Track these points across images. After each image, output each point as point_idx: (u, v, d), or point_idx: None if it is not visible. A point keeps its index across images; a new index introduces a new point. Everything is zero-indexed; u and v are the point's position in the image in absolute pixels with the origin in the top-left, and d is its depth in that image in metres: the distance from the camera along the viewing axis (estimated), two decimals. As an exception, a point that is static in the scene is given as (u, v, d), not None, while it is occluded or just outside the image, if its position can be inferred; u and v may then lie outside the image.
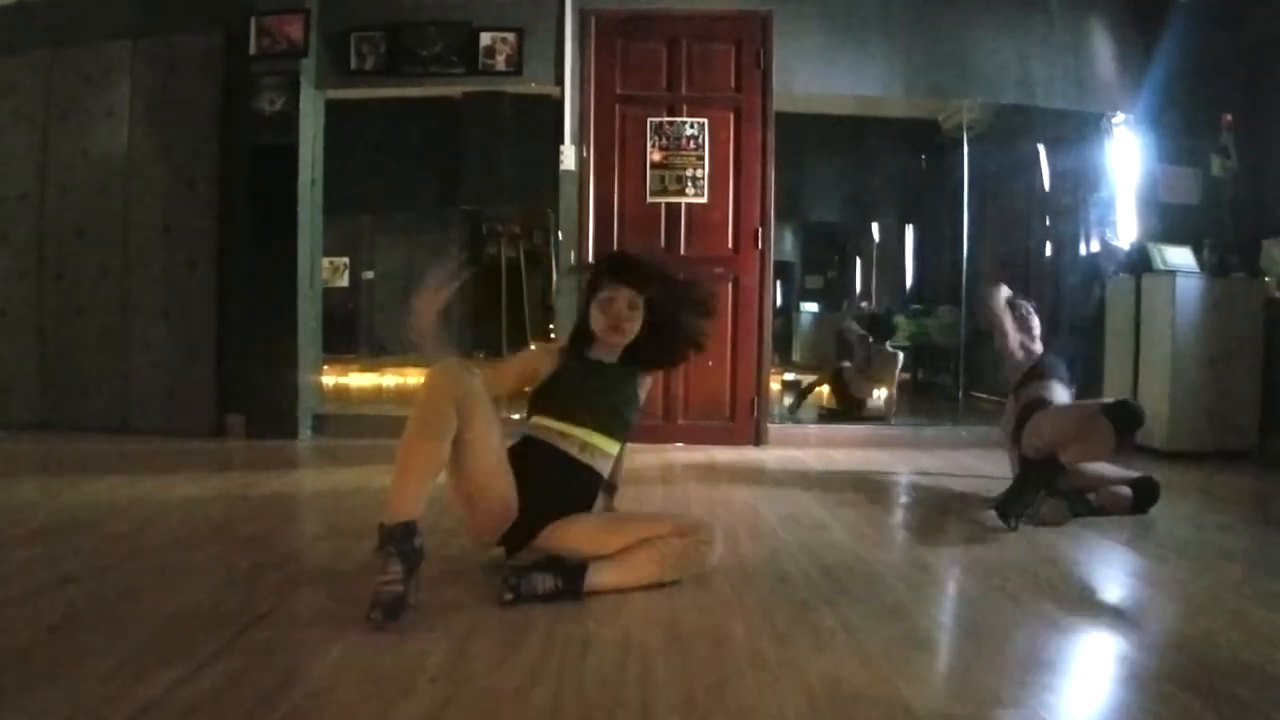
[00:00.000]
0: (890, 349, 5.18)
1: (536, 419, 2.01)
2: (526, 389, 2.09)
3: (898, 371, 5.12)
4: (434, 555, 2.12)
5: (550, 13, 4.30)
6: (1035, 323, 3.01)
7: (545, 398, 2.02)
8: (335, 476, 3.29)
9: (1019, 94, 4.46)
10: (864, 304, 6.44)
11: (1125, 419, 2.51)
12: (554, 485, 1.93)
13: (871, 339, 5.24)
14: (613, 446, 2.04)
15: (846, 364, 5.24)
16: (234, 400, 4.28)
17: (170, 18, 4.37)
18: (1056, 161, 5.34)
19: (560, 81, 4.30)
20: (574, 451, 1.96)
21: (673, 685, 1.37)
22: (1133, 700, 1.37)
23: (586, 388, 2.02)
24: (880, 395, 5.01)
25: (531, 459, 1.93)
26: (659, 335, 2.07)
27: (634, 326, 2.04)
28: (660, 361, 2.16)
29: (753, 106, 4.31)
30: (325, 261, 4.80)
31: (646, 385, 2.16)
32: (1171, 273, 4.16)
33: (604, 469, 2.03)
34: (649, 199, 4.33)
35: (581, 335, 2.10)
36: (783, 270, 6.23)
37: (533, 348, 2.07)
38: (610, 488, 2.22)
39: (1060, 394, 2.86)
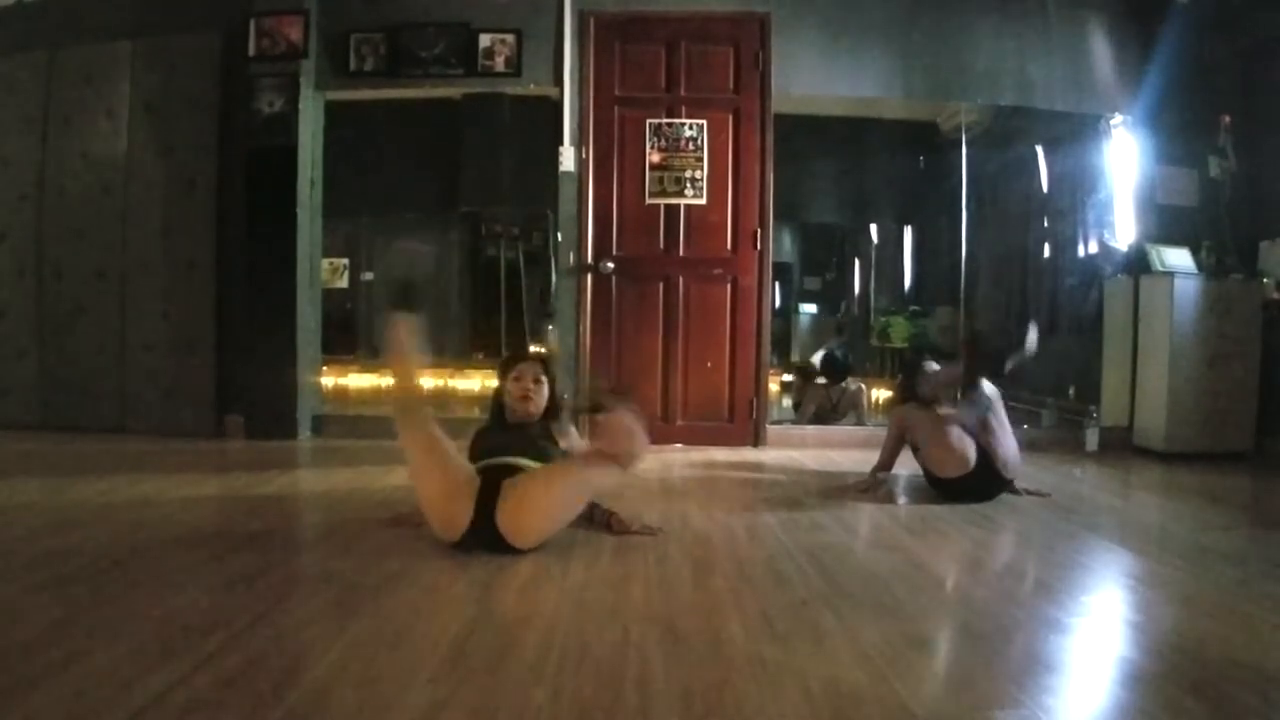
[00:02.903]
0: (853, 386, 4.98)
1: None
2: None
3: (864, 401, 5.00)
4: (431, 556, 2.13)
5: (549, 14, 4.30)
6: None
7: (475, 452, 2.37)
8: (334, 477, 3.29)
9: (1017, 95, 4.46)
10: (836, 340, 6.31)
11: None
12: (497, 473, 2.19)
13: (825, 382, 5.01)
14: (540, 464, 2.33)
15: (803, 403, 5.09)
16: (233, 401, 4.28)
17: (170, 18, 4.37)
18: (1055, 163, 5.35)
19: (559, 83, 4.31)
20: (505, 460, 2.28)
21: (671, 686, 1.37)
22: (1131, 701, 1.37)
23: (508, 436, 2.43)
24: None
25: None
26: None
27: (541, 400, 2.52)
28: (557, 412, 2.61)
29: (751, 108, 4.32)
30: (324, 262, 4.80)
31: (568, 439, 2.60)
32: (1169, 274, 4.16)
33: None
34: (648, 200, 4.33)
35: (497, 411, 2.56)
36: (781, 271, 6.24)
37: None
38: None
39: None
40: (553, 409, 2.57)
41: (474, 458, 2.31)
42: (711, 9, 4.32)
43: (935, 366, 3.14)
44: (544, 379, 2.54)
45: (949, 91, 4.54)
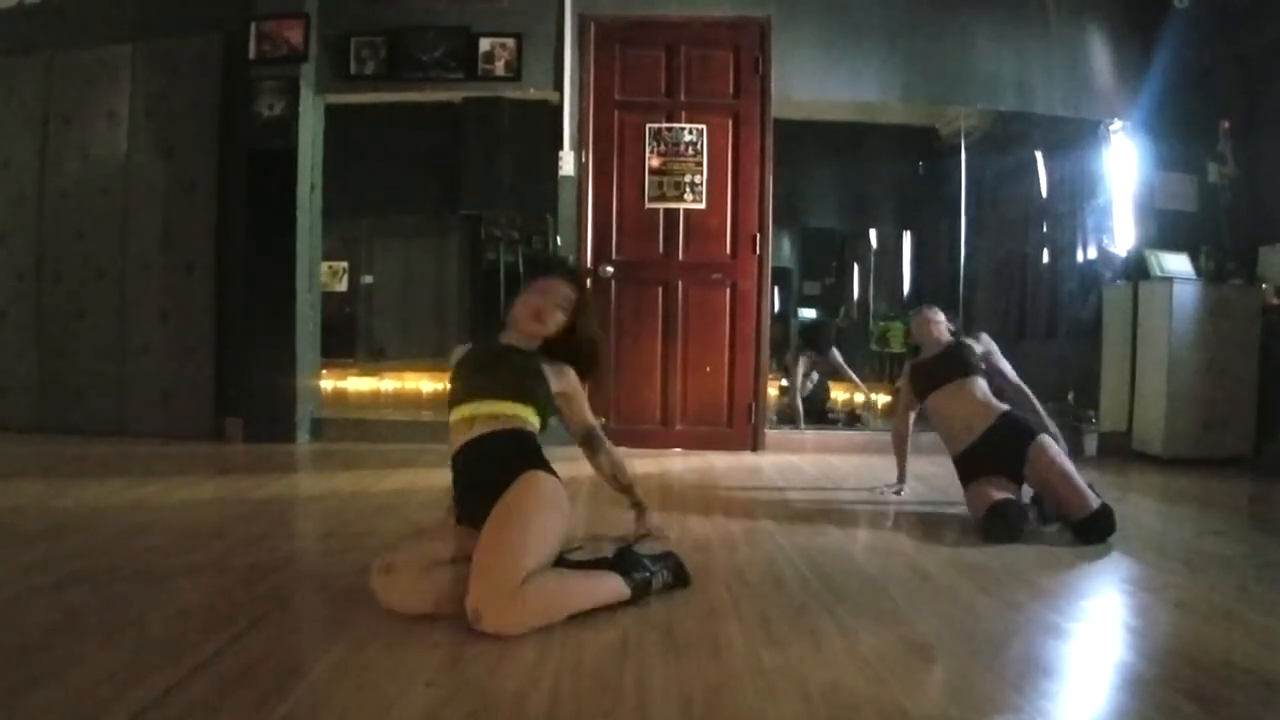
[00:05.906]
0: (839, 360, 5.08)
1: (451, 417, 1.91)
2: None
3: (853, 376, 5.07)
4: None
5: (549, 19, 4.31)
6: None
7: (453, 388, 1.94)
8: (333, 480, 3.29)
9: (1017, 100, 4.47)
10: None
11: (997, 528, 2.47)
12: (486, 466, 1.82)
13: (813, 356, 5.10)
14: (529, 413, 1.91)
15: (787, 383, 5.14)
16: (232, 404, 4.28)
17: (170, 21, 4.38)
18: (1054, 168, 5.36)
19: (559, 87, 4.32)
20: (490, 429, 1.85)
21: (669, 690, 1.37)
22: (1129, 706, 1.38)
23: (490, 364, 1.96)
24: (845, 401, 5.00)
25: (463, 466, 1.87)
26: (572, 343, 2.06)
27: (554, 321, 2.01)
28: (569, 359, 2.08)
29: (751, 112, 4.32)
30: (324, 265, 4.80)
31: (565, 380, 2.05)
32: (1169, 279, 4.17)
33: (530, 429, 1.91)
34: (647, 204, 4.34)
35: (500, 323, 2.07)
36: (781, 276, 6.24)
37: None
38: (638, 505, 2.30)
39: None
40: (582, 349, 2.08)
41: (452, 400, 1.93)
42: (711, 14, 4.33)
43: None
44: (568, 308, 2.03)
45: (948, 96, 4.55)
